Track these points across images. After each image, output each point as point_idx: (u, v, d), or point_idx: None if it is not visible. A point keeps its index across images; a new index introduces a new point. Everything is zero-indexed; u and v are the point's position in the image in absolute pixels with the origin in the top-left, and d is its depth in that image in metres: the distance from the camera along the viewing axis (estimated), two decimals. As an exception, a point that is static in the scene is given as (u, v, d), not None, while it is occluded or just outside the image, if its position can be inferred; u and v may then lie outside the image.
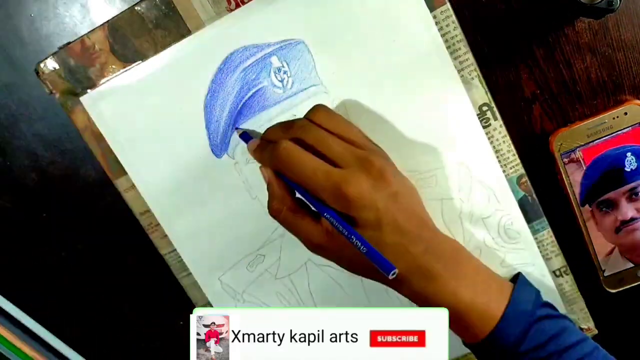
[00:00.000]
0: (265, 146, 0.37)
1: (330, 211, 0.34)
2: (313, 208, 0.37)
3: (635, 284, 0.45)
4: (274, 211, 0.37)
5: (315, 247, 0.36)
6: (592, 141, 0.42)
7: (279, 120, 0.41)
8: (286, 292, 0.46)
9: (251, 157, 0.41)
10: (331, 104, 0.41)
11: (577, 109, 0.42)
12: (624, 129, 0.41)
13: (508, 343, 0.35)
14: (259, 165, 0.38)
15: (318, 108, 0.37)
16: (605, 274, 0.45)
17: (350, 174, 0.33)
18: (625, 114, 0.41)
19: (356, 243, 0.33)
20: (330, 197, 0.34)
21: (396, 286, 0.36)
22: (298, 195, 0.37)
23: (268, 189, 0.37)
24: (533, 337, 0.35)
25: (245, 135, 0.41)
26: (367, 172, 0.34)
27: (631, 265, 0.44)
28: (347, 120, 0.38)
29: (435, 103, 0.41)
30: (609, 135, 0.41)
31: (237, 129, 0.41)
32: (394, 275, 0.31)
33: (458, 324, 0.36)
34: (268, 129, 0.39)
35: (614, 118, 0.41)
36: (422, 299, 0.35)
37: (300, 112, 0.41)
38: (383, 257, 0.32)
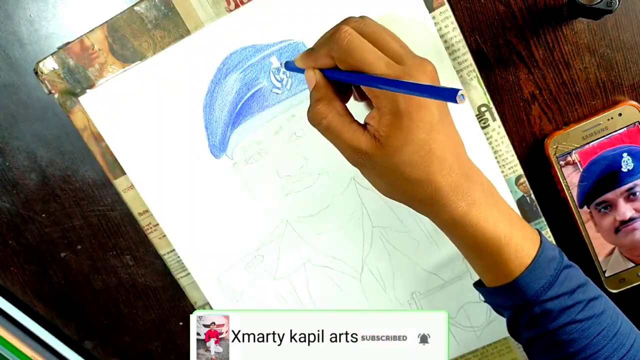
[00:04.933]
0: (312, 51, 0.34)
1: (384, 79, 0.31)
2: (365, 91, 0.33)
3: (637, 283, 0.45)
4: (318, 114, 0.33)
5: (361, 154, 0.33)
6: (588, 143, 0.42)
7: (278, 121, 0.41)
8: (285, 293, 0.46)
9: (250, 157, 0.42)
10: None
11: (576, 110, 0.42)
12: (619, 129, 0.41)
13: (538, 286, 0.33)
14: (304, 72, 0.35)
15: (366, 16, 0.35)
16: (607, 274, 0.45)
17: (411, 69, 0.31)
18: (620, 114, 0.41)
19: (415, 88, 0.29)
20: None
21: (438, 209, 0.33)
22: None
23: (312, 93, 0.34)
24: (563, 283, 0.33)
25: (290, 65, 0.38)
26: (424, 73, 0.32)
27: (632, 265, 0.45)
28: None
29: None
30: (604, 136, 0.41)
31: (284, 63, 0.39)
32: (463, 100, 0.27)
33: (493, 259, 0.34)
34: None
35: (608, 119, 0.41)
36: (462, 227, 0.33)
37: (299, 113, 0.41)
38: (442, 87, 0.28)
